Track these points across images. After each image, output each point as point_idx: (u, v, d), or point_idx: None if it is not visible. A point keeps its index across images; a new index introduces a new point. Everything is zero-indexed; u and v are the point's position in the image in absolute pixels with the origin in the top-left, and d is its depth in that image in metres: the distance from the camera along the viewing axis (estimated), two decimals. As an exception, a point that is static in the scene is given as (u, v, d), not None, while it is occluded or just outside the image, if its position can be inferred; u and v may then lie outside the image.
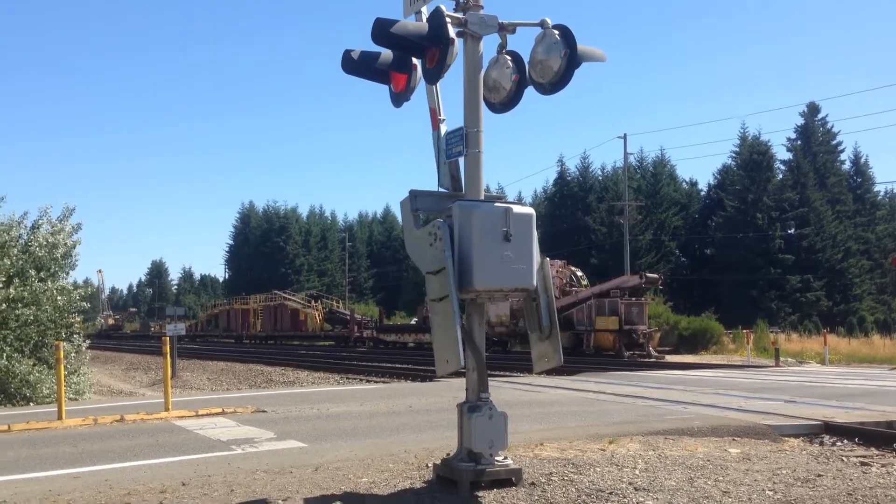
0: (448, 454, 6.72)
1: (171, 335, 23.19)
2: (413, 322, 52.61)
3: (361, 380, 25.37)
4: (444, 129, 7.00)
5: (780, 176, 69.39)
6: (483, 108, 6.72)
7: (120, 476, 7.33)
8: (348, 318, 56.58)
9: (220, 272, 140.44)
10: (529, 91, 7.00)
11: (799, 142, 71.63)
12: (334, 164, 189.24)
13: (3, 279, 17.21)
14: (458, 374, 20.23)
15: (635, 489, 6.26)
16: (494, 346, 37.00)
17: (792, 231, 66.45)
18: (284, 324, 65.53)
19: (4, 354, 16.76)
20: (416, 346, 46.47)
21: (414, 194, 6.53)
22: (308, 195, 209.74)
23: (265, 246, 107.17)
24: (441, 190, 6.86)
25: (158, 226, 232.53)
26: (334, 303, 67.52)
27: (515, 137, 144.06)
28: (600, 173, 79.50)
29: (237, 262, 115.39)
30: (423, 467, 7.21)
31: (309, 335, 61.19)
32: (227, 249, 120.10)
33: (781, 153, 72.19)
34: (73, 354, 18.40)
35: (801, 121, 72.71)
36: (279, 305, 66.99)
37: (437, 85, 7.12)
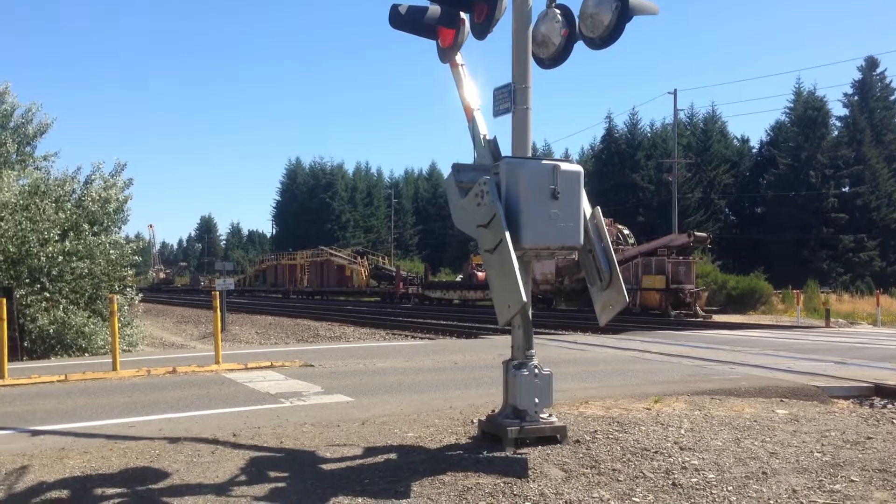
0: (493, 411, 6.76)
1: (221, 290, 23.59)
2: (458, 279, 52.83)
3: (407, 336, 25.61)
4: (479, 117, 6.95)
5: (836, 133, 67.67)
6: (531, 63, 6.62)
7: (172, 426, 7.53)
8: (394, 274, 56.97)
9: (267, 228, 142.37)
10: (578, 46, 6.87)
11: (856, 97, 69.53)
12: (381, 121, 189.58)
13: (59, 233, 17.61)
14: (503, 332, 20.30)
15: (681, 449, 6.24)
16: (540, 304, 37.01)
17: (846, 189, 64.89)
18: (331, 279, 66.30)
19: (61, 306, 17.25)
20: (461, 303, 46.71)
21: (457, 168, 6.45)
22: (354, 151, 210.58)
23: (312, 202, 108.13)
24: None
25: (208, 182, 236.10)
26: (380, 259, 68.02)
27: (562, 94, 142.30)
28: (649, 130, 78.42)
29: (284, 218, 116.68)
30: (468, 423, 7.27)
31: (354, 291, 61.84)
32: (274, 205, 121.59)
33: (837, 109, 70.47)
34: (126, 307, 18.85)
35: (858, 75, 70.60)
36: (325, 261, 67.73)
37: (467, 73, 7.02)
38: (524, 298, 5.56)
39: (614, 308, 6.35)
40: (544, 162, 6.22)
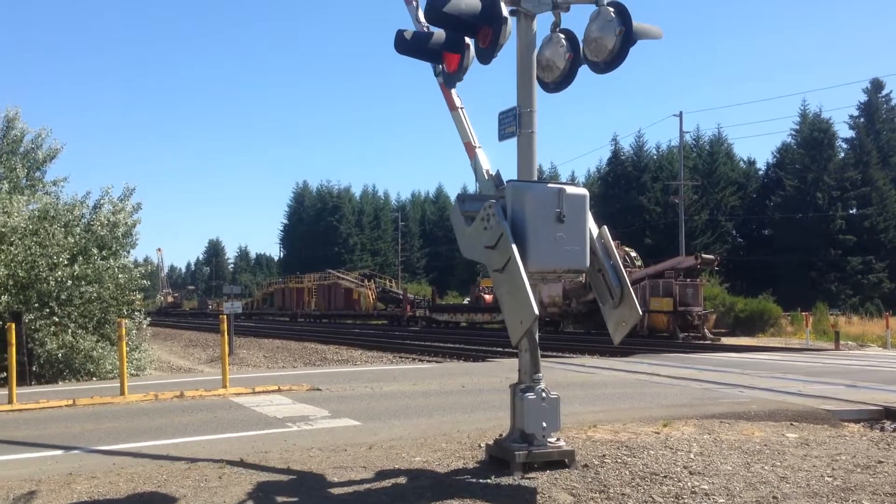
0: (501, 435, 6.73)
1: (228, 313, 23.62)
2: (466, 302, 52.78)
3: (414, 359, 25.55)
4: (480, 154, 7.00)
5: (842, 154, 67.68)
6: (536, 87, 6.67)
7: (180, 451, 7.52)
8: (401, 297, 56.95)
9: (275, 251, 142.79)
10: (583, 70, 6.91)
11: (862, 119, 69.55)
12: (387, 144, 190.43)
13: (68, 257, 17.69)
14: (510, 355, 20.20)
15: (690, 473, 6.20)
16: (547, 327, 36.89)
17: (854, 211, 64.75)
18: (338, 302, 66.29)
19: (69, 331, 17.28)
20: (469, 325, 46.63)
21: (462, 198, 6.52)
22: (361, 175, 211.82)
23: (319, 225, 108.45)
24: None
25: (216, 206, 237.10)
26: (387, 282, 68.01)
27: (567, 116, 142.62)
28: (655, 152, 78.57)
29: (291, 242, 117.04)
30: (475, 447, 7.24)
31: (362, 314, 61.79)
32: (281, 229, 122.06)
33: (843, 131, 70.37)
34: (134, 331, 18.88)
35: (864, 97, 70.62)
36: (333, 284, 67.77)
37: (466, 115, 7.10)
38: (536, 312, 5.56)
39: (628, 324, 6.31)
40: (550, 185, 6.25)
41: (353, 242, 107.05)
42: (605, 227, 6.47)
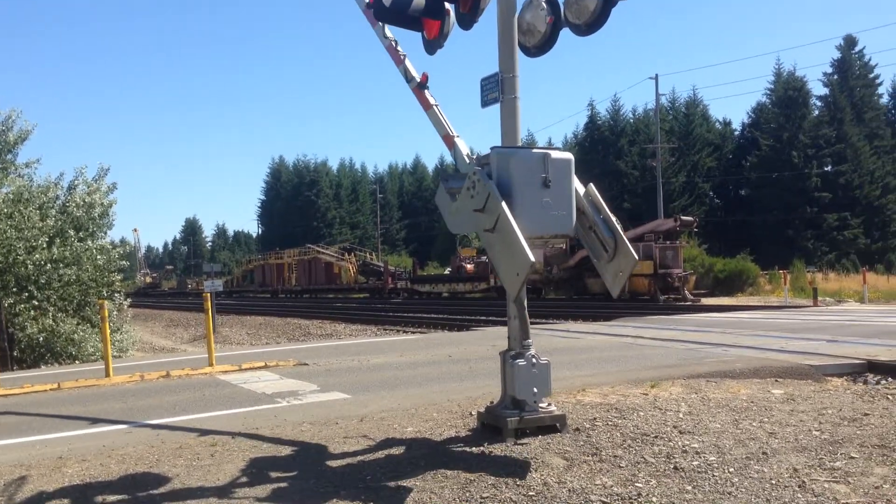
0: (492, 402, 6.75)
1: (210, 291, 23.49)
2: (447, 272, 52.83)
3: (398, 331, 25.61)
4: (459, 142, 6.93)
5: (816, 112, 68.00)
6: (518, 52, 6.60)
7: (170, 430, 7.49)
8: (382, 269, 56.94)
9: (253, 228, 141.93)
10: (564, 33, 6.85)
11: (835, 76, 69.83)
12: (363, 116, 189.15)
13: (46, 240, 17.49)
14: (494, 323, 20.34)
15: (680, 432, 6.25)
16: (529, 294, 36.88)
17: (829, 168, 65.25)
18: (319, 277, 66.16)
19: (49, 314, 17.14)
20: (451, 296, 46.74)
21: (445, 176, 6.50)
22: (338, 148, 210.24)
23: (297, 200, 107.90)
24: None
25: (191, 184, 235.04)
26: (367, 255, 67.96)
27: (543, 83, 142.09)
28: (631, 116, 78.58)
29: (270, 218, 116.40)
30: (466, 415, 7.27)
31: (343, 288, 61.75)
32: (259, 205, 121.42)
33: (817, 88, 70.69)
34: (115, 313, 18.77)
35: (837, 54, 70.86)
36: (313, 259, 67.58)
37: (440, 110, 7.06)
38: (531, 258, 5.44)
39: (625, 272, 6.22)
40: (535, 150, 6.20)
41: (332, 216, 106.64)
42: (591, 184, 6.44)
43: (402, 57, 7.31)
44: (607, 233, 6.21)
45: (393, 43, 7.37)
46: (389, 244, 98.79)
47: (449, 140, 6.97)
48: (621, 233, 6.24)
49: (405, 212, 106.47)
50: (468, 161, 6.73)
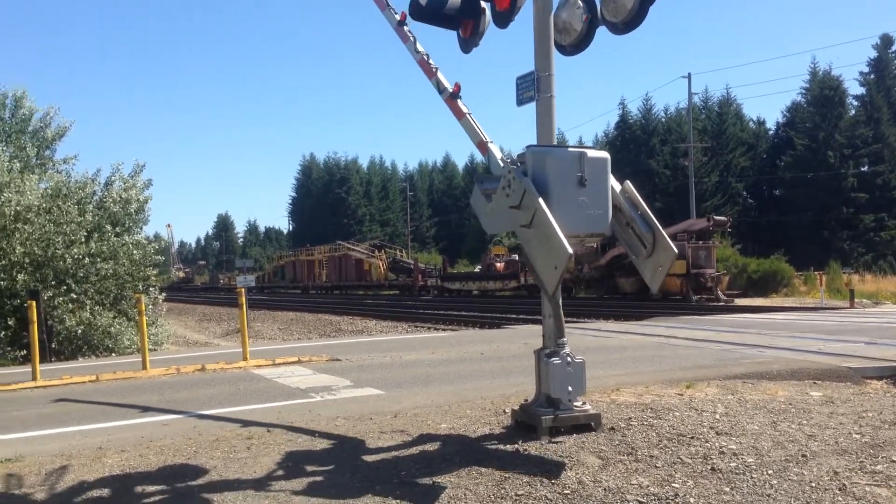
0: (526, 400, 6.75)
1: (242, 286, 23.70)
2: (477, 270, 52.78)
3: (429, 328, 25.64)
4: (493, 148, 6.95)
5: (853, 112, 66.92)
6: (554, 51, 6.58)
7: (206, 423, 7.58)
8: (412, 267, 56.97)
9: (284, 224, 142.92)
10: (600, 31, 6.82)
11: (872, 75, 68.67)
12: (394, 114, 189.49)
13: (84, 234, 17.77)
14: (525, 321, 20.30)
15: (717, 433, 6.20)
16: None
17: (865, 168, 64.22)
18: (349, 274, 66.41)
19: (87, 307, 17.40)
20: (480, 293, 46.68)
21: (480, 178, 6.53)
22: (368, 145, 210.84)
23: (327, 197, 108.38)
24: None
25: (224, 180, 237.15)
26: (397, 252, 68.06)
27: (573, 81, 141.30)
28: (663, 115, 77.97)
29: (300, 214, 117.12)
30: (500, 413, 7.27)
31: (373, 285, 61.91)
32: (290, 202, 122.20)
33: (854, 88, 69.60)
34: (150, 307, 19.00)
35: (873, 53, 69.66)
36: (343, 256, 67.84)
37: (474, 118, 7.13)
38: (569, 249, 5.41)
39: (665, 267, 6.16)
40: (571, 149, 6.18)
41: (362, 213, 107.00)
42: (628, 181, 6.40)
43: (434, 70, 7.40)
44: (645, 228, 6.15)
45: (425, 57, 7.47)
46: (419, 241, 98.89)
47: (483, 146, 7.00)
48: (660, 227, 6.17)
49: (435, 209, 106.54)
50: (503, 165, 6.73)
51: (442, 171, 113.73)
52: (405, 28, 7.70)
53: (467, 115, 7.13)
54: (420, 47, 7.56)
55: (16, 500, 5.28)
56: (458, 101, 7.15)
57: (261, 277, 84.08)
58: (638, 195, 6.31)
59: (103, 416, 8.27)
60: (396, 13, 7.82)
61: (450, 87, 7.12)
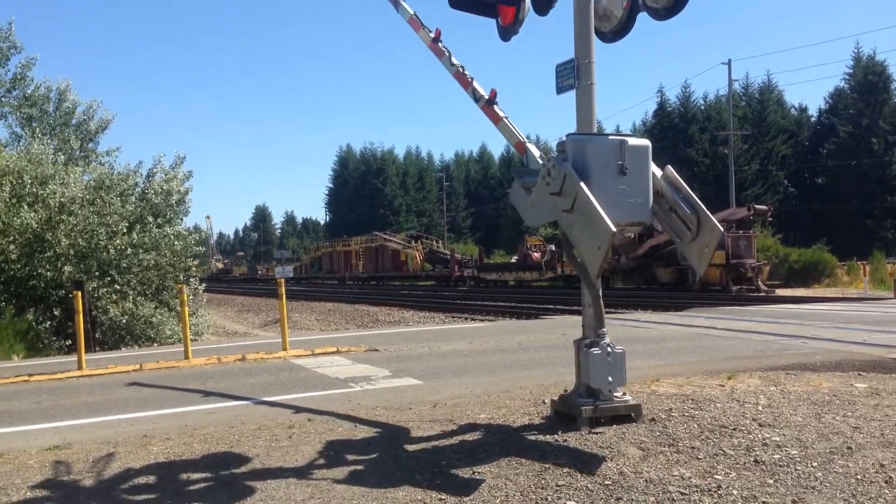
0: (565, 390, 6.73)
1: (281, 277, 23.92)
2: (513, 260, 52.67)
3: (466, 318, 25.65)
4: (531, 147, 7.02)
5: (898, 98, 65.43)
6: (594, 38, 6.52)
7: (248, 412, 7.68)
8: (448, 257, 57.01)
9: (321, 215, 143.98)
10: (641, 17, 6.73)
11: (919, 60, 67.07)
12: (430, 105, 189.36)
13: (126, 226, 18.05)
14: (563, 312, 20.21)
15: (760, 425, 6.13)
16: (596, 283, 36.62)
17: (911, 156, 62.80)
18: (385, 264, 66.65)
19: (130, 298, 17.68)
20: (517, 284, 46.60)
21: (519, 173, 6.53)
22: (404, 136, 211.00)
23: (364, 188, 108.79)
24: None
25: (262, 172, 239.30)
26: (434, 243, 68.13)
27: (610, 69, 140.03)
28: (702, 102, 76.79)
29: (337, 205, 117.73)
30: (539, 403, 7.26)
31: (410, 275, 62.07)
32: (326, 193, 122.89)
33: (899, 73, 67.85)
34: (191, 297, 19.25)
35: (921, 37, 67.99)
36: (380, 247, 68.10)
37: (510, 121, 7.26)
38: (612, 227, 5.35)
39: (711, 247, 6.02)
40: (611, 137, 6.12)
41: (399, 204, 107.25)
42: (669, 166, 6.32)
43: (469, 80, 7.61)
44: (688, 209, 6.05)
45: (460, 69, 7.70)
46: (455, 232, 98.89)
47: (520, 146, 7.05)
48: (703, 208, 6.05)
49: (471, 200, 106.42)
50: (541, 161, 6.71)
51: (478, 161, 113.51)
52: (440, 44, 8.01)
53: (504, 119, 7.29)
54: (455, 60, 7.82)
55: (65, 486, 5.39)
56: (495, 106, 7.27)
57: (298, 268, 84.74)
58: (680, 178, 6.22)
59: (147, 404, 8.42)
60: (431, 31, 8.17)
61: (486, 95, 7.26)
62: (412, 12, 8.62)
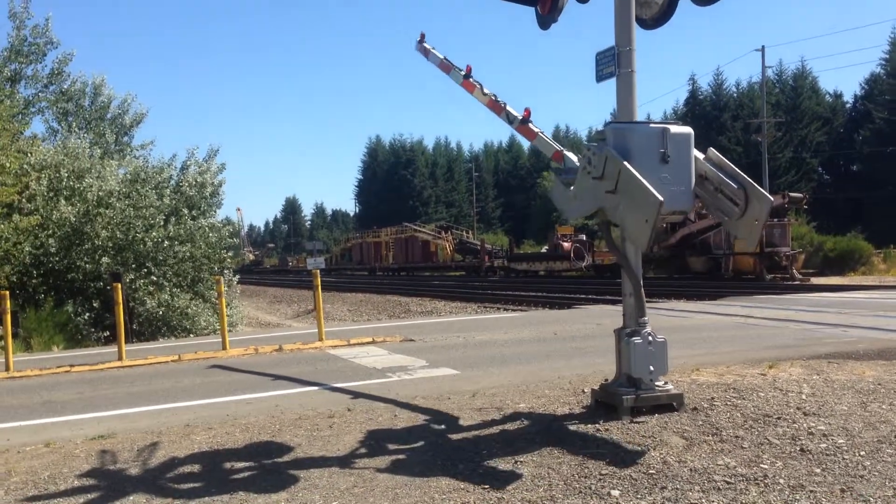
0: (605, 380, 6.70)
1: (314, 268, 24.06)
2: (543, 250, 52.43)
3: (498, 308, 25.62)
4: (568, 153, 7.37)
5: (936, 82, 64.15)
6: (634, 25, 6.45)
7: (288, 402, 7.74)
8: (478, 248, 56.91)
9: (350, 206, 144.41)
10: (683, 3, 6.66)
11: (957, 44, 65.67)
12: (459, 95, 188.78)
13: (162, 218, 18.25)
14: (596, 301, 20.08)
15: (804, 414, 6.05)
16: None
17: (949, 142, 61.59)
18: (416, 255, 66.71)
19: (166, 289, 17.89)
20: (547, 274, 46.40)
21: (558, 171, 6.62)
22: (433, 127, 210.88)
23: (393, 179, 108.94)
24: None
25: (291, 163, 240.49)
26: (464, 233, 68.08)
27: (642, 57, 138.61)
28: (735, 90, 75.79)
29: (367, 196, 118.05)
30: (578, 393, 7.23)
31: (440, 266, 62.07)
32: (356, 184, 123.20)
33: (937, 57, 66.51)
34: (225, 289, 19.44)
35: (960, 21, 66.55)
36: (410, 237, 68.17)
37: (545, 135, 7.87)
38: (659, 196, 5.28)
39: (761, 220, 5.91)
40: (653, 125, 6.06)
41: (428, 195, 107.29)
42: (711, 148, 6.24)
43: (502, 105, 8.18)
44: (735, 185, 5.94)
45: (493, 97, 8.31)
46: (485, 222, 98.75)
47: (557, 155, 7.22)
48: (750, 180, 5.92)
49: (500, 190, 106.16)
50: (579, 163, 6.69)
51: (507, 151, 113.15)
52: (471, 79, 8.85)
53: (539, 134, 7.57)
54: (486, 90, 8.54)
55: (111, 475, 5.47)
56: (530, 123, 7.46)
57: (328, 259, 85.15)
58: (723, 157, 6.14)
59: (188, 394, 8.51)
60: (461, 70, 9.11)
61: (519, 115, 7.53)
62: (442, 57, 9.85)
